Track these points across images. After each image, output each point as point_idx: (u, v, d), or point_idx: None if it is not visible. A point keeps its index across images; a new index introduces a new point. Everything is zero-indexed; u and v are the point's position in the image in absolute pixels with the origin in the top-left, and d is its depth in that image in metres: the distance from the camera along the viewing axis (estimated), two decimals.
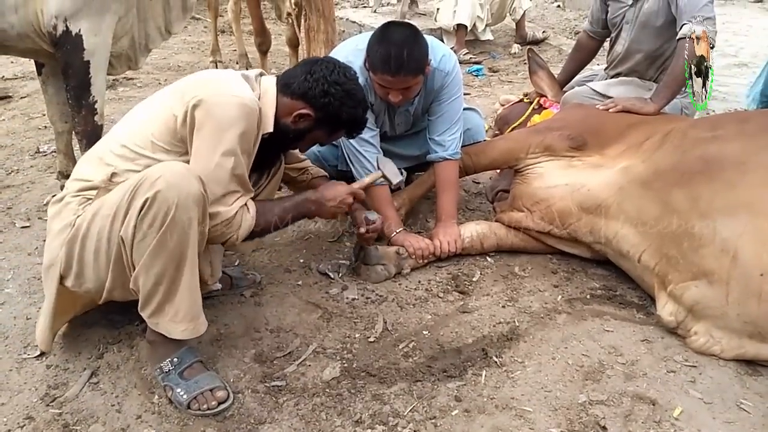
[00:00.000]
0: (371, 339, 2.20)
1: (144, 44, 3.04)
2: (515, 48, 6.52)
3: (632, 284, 2.50)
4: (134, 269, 1.82)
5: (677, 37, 2.83)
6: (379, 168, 2.45)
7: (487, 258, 2.73)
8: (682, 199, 2.21)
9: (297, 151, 2.53)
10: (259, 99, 2.02)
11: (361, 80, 2.22)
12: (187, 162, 1.93)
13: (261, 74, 2.14)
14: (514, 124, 3.46)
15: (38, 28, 2.64)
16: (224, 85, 1.98)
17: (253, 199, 2.31)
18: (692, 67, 2.75)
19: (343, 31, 6.46)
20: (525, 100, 3.63)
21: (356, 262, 2.57)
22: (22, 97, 4.88)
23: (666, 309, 2.20)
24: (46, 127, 4.06)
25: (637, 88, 3.20)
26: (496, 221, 2.81)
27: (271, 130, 2.05)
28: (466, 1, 6.10)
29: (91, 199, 1.90)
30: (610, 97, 3.06)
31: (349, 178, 2.81)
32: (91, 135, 2.79)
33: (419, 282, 2.56)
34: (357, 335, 2.22)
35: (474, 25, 6.25)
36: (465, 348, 2.16)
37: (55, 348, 2.10)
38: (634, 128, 2.65)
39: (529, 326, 2.27)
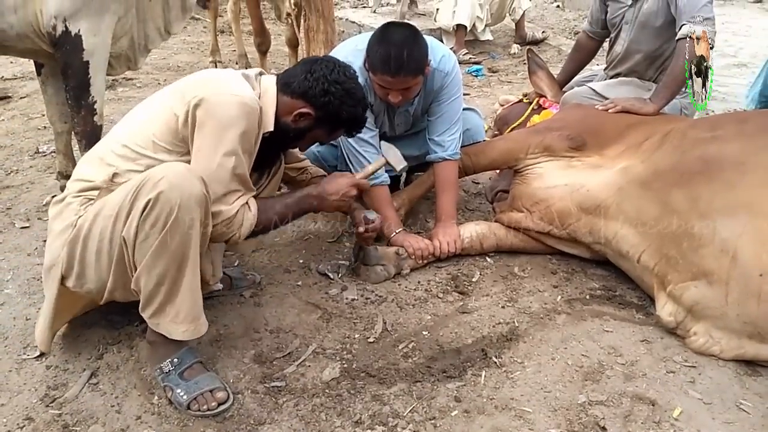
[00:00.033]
0: (371, 339, 2.20)
1: (143, 45, 3.04)
2: (515, 48, 6.52)
3: (632, 284, 2.50)
4: (136, 270, 1.82)
5: (676, 38, 2.84)
6: (382, 155, 2.42)
7: (487, 258, 2.73)
8: (682, 199, 2.21)
9: (296, 150, 2.53)
10: (259, 98, 2.03)
11: (360, 80, 2.22)
12: (189, 162, 1.93)
13: (261, 73, 2.14)
14: (514, 125, 3.46)
15: (37, 29, 2.63)
16: (225, 84, 1.98)
17: (254, 198, 2.32)
18: (692, 67, 2.75)
19: (343, 32, 6.47)
20: (524, 101, 3.63)
21: (356, 262, 2.57)
22: (21, 98, 4.88)
23: (665, 309, 2.20)
24: (45, 127, 4.05)
25: (636, 89, 3.20)
26: (496, 221, 2.81)
27: (271, 129, 2.05)
28: (465, 2, 6.10)
29: (92, 199, 1.90)
30: (609, 98, 3.06)
31: None
32: (91, 135, 2.79)
33: (419, 282, 2.56)
34: (356, 336, 2.22)
35: (473, 25, 6.25)
36: (464, 348, 2.16)
37: (54, 349, 2.09)
38: (633, 128, 2.65)
39: (528, 327, 2.27)
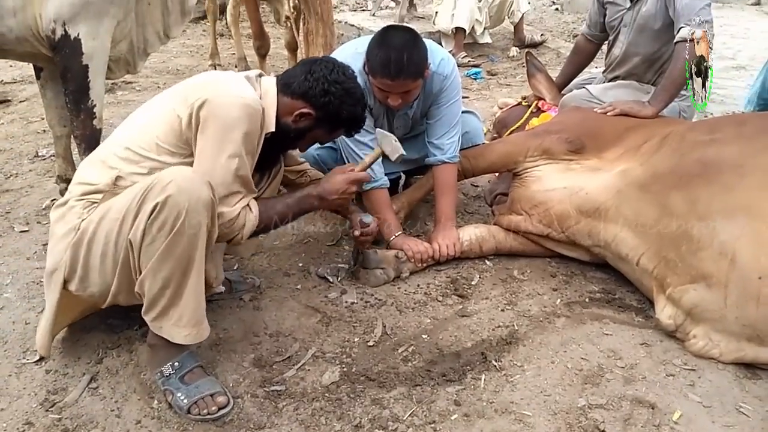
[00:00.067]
0: (370, 343, 2.20)
1: (142, 48, 3.04)
2: (513, 51, 6.53)
3: (631, 287, 2.50)
4: (140, 273, 1.82)
5: (675, 41, 2.84)
6: (378, 144, 2.40)
7: (486, 261, 2.73)
8: (681, 202, 2.21)
9: (296, 153, 2.54)
10: (260, 99, 2.04)
11: (360, 83, 2.23)
12: (192, 164, 1.94)
13: (260, 75, 2.15)
14: (513, 128, 3.46)
15: (37, 32, 2.64)
16: (228, 85, 2.00)
17: (254, 199, 2.33)
18: (692, 66, 2.76)
19: (342, 35, 6.47)
20: (523, 104, 3.63)
21: (355, 265, 2.57)
22: (20, 101, 4.88)
23: (665, 312, 2.20)
24: (44, 131, 4.06)
25: (635, 92, 3.20)
26: (495, 224, 2.81)
27: (273, 129, 2.07)
28: (464, 5, 6.12)
29: (95, 203, 1.90)
30: (608, 101, 3.07)
31: None
32: (90, 139, 2.79)
33: (418, 286, 2.56)
34: (356, 339, 2.22)
35: (472, 28, 6.27)
36: (464, 352, 2.16)
37: (54, 353, 2.09)
38: (632, 131, 2.65)
39: (528, 330, 2.27)
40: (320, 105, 2.08)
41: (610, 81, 3.40)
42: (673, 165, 2.32)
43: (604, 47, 3.54)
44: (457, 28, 6.16)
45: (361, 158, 2.65)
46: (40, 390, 1.97)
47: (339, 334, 2.24)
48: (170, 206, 1.75)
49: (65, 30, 2.61)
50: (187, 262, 1.81)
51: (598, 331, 2.26)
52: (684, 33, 2.79)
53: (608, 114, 2.85)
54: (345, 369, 2.07)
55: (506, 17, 6.54)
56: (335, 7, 7.52)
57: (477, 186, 3.46)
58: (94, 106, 2.78)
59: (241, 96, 1.96)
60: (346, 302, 2.42)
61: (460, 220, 3.03)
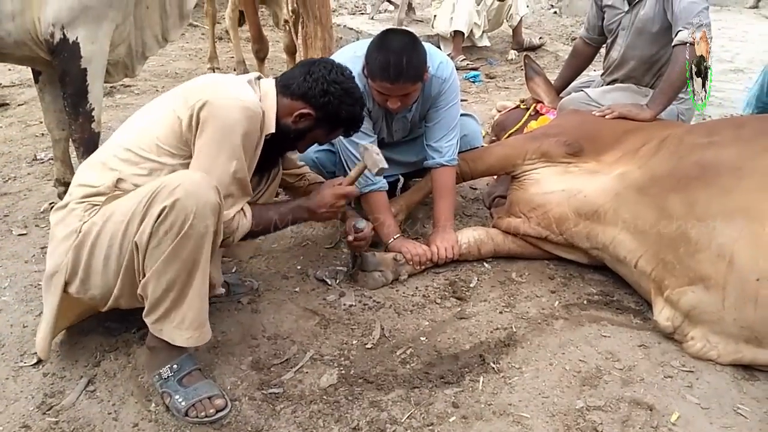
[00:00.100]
0: (368, 345, 2.20)
1: (141, 52, 3.04)
2: (512, 54, 6.54)
3: (629, 290, 2.50)
4: (144, 276, 1.82)
5: (673, 44, 2.85)
6: (362, 159, 2.39)
7: (485, 264, 2.73)
8: (679, 204, 2.22)
9: (295, 157, 2.54)
10: (259, 101, 2.04)
11: (359, 87, 2.24)
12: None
13: (259, 77, 2.16)
14: (511, 131, 3.47)
15: (35, 36, 2.64)
16: (228, 88, 2.01)
17: (252, 203, 2.33)
18: (692, 67, 2.76)
19: (341, 38, 6.49)
20: (522, 107, 3.64)
21: (353, 268, 2.57)
22: (19, 105, 4.88)
23: (663, 314, 2.20)
24: (43, 134, 4.05)
25: (633, 95, 3.21)
26: (493, 227, 2.81)
27: (273, 130, 2.08)
28: (462, 8, 6.13)
29: (97, 205, 1.90)
30: (606, 104, 3.07)
31: None
32: (89, 142, 2.79)
33: (416, 288, 2.56)
34: (354, 342, 2.22)
35: (471, 31, 6.28)
36: (462, 354, 2.16)
37: (51, 356, 2.09)
38: (630, 134, 2.66)
39: (526, 332, 2.27)
40: (320, 105, 2.09)
41: (608, 84, 3.40)
42: (672, 168, 2.33)
43: (603, 50, 3.54)
44: (455, 31, 6.17)
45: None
46: (38, 393, 1.97)
47: (337, 337, 2.24)
48: (178, 210, 1.75)
49: (64, 34, 2.61)
50: (192, 266, 1.81)
51: (596, 333, 2.26)
52: (682, 36, 2.79)
53: (606, 117, 2.85)
54: (343, 371, 2.07)
55: (505, 20, 6.56)
56: (334, 11, 7.53)
57: (475, 189, 3.47)
58: (93, 109, 2.78)
59: (241, 98, 1.97)
60: (345, 305, 2.42)
61: (459, 222, 3.04)
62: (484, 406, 1.93)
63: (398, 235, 2.69)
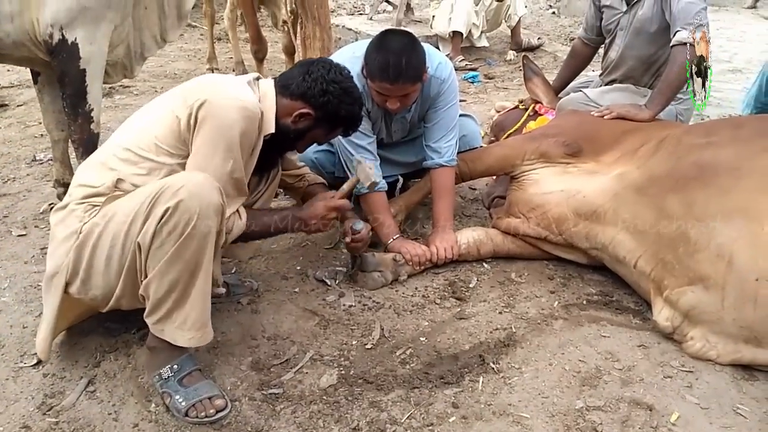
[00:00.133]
0: (368, 346, 2.20)
1: (139, 52, 3.05)
2: (511, 55, 6.55)
3: (628, 290, 2.51)
4: (146, 276, 1.82)
5: (671, 44, 2.85)
6: (354, 173, 2.42)
7: (484, 264, 2.73)
8: (678, 204, 2.22)
9: (295, 157, 2.55)
10: (258, 102, 2.05)
11: (358, 87, 2.24)
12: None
13: (258, 78, 2.17)
14: (510, 131, 3.47)
15: (34, 37, 2.64)
16: (227, 88, 2.01)
17: (251, 206, 2.34)
18: (692, 67, 2.77)
19: (339, 39, 6.48)
20: (520, 107, 3.64)
21: (353, 269, 2.57)
22: (18, 106, 4.88)
23: (662, 314, 2.21)
24: (42, 135, 4.05)
25: (631, 95, 3.21)
26: (493, 227, 2.81)
27: (272, 131, 2.08)
28: (461, 8, 6.13)
29: (97, 206, 1.91)
30: (604, 104, 3.07)
31: None
32: (88, 143, 2.79)
33: (416, 288, 2.56)
34: (354, 342, 2.22)
35: (469, 32, 6.28)
36: (462, 354, 2.16)
37: (51, 357, 2.08)
38: (629, 135, 2.66)
39: (525, 332, 2.28)
40: (319, 105, 2.10)
41: (606, 84, 3.41)
42: (670, 168, 2.33)
43: (601, 50, 3.55)
44: (454, 31, 6.18)
45: (360, 161, 2.66)
46: (38, 394, 1.97)
47: (337, 337, 2.25)
48: (181, 211, 1.76)
49: (62, 34, 2.61)
50: (194, 266, 1.82)
51: (595, 333, 2.27)
52: (680, 36, 2.80)
53: (605, 117, 2.85)
54: (343, 372, 2.07)
55: (503, 21, 6.56)
56: (332, 11, 7.54)
57: (474, 189, 3.47)
58: (92, 110, 2.78)
59: (240, 98, 1.97)
60: (344, 305, 2.42)
61: (458, 223, 3.04)
62: (483, 406, 1.93)
63: (398, 235, 2.70)
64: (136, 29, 2.95)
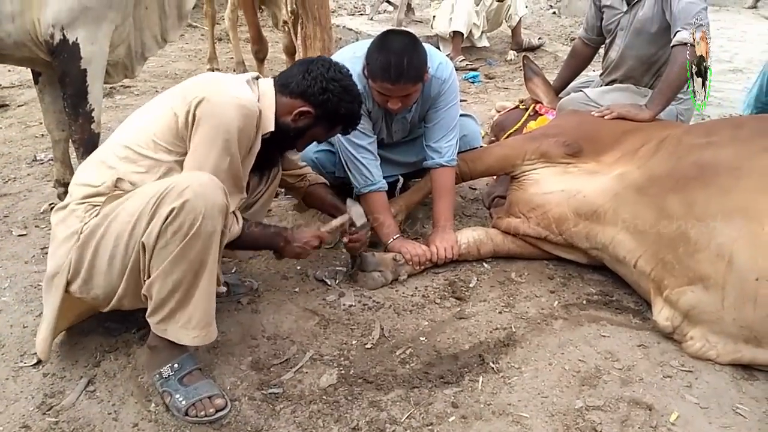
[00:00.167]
0: (368, 346, 2.21)
1: (140, 52, 3.05)
2: (511, 55, 6.55)
3: (628, 289, 2.51)
4: (149, 276, 1.83)
5: (671, 44, 2.85)
6: (347, 211, 2.48)
7: (484, 264, 2.73)
8: (678, 204, 2.22)
9: (297, 157, 2.55)
10: (258, 101, 2.05)
11: (359, 87, 2.25)
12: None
13: (257, 77, 2.17)
14: (510, 131, 3.47)
15: (35, 37, 2.64)
16: (226, 86, 2.02)
17: (251, 205, 2.34)
18: (693, 67, 2.77)
19: (340, 39, 6.49)
20: (521, 107, 3.64)
21: (353, 268, 2.57)
22: (19, 106, 4.88)
23: (662, 314, 2.21)
24: (43, 135, 4.06)
25: (632, 95, 3.21)
26: (493, 227, 2.81)
27: (272, 129, 2.09)
28: (461, 9, 6.13)
29: (97, 206, 1.91)
30: (605, 104, 3.07)
31: (347, 185, 2.83)
32: (88, 143, 2.79)
33: (416, 288, 2.56)
34: (354, 342, 2.23)
35: (470, 32, 6.28)
36: (462, 354, 2.17)
37: (51, 356, 2.09)
38: (629, 135, 2.66)
39: (525, 332, 2.28)
40: (319, 103, 2.10)
41: (607, 84, 3.40)
42: (670, 168, 2.33)
43: (602, 51, 3.55)
44: (454, 31, 6.18)
45: (360, 163, 2.68)
46: (38, 393, 1.97)
47: (337, 337, 2.25)
48: (187, 211, 1.76)
49: (64, 35, 2.62)
50: (199, 266, 1.82)
51: (595, 333, 2.27)
52: (680, 36, 2.80)
53: (605, 117, 2.85)
54: (343, 371, 2.07)
55: (504, 21, 6.56)
56: (333, 12, 7.54)
57: (475, 189, 3.47)
58: (93, 110, 2.78)
59: (238, 96, 1.98)
60: (344, 305, 2.42)
61: (458, 222, 3.04)
62: (483, 406, 1.93)
63: (398, 235, 2.70)
64: (137, 29, 2.95)
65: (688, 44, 2.76)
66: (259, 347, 2.18)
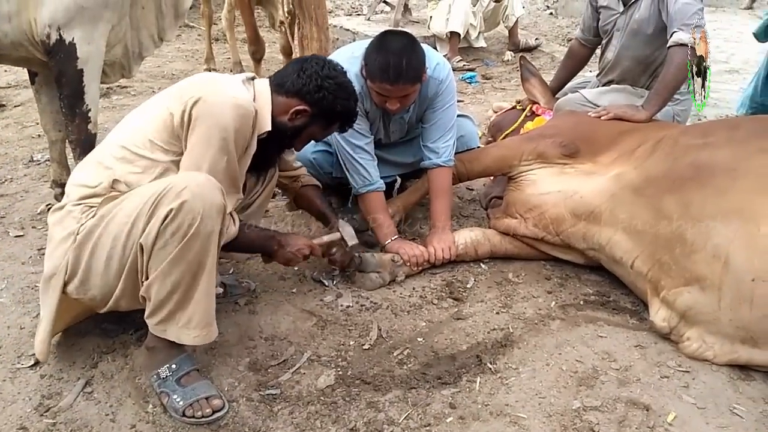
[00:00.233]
0: (366, 346, 2.21)
1: (137, 52, 3.05)
2: (508, 55, 6.55)
3: (625, 290, 2.51)
4: (147, 278, 1.82)
5: (668, 45, 2.85)
6: (338, 230, 2.51)
7: (481, 264, 2.74)
8: (674, 205, 2.22)
9: (293, 157, 2.55)
10: (254, 100, 2.05)
11: (356, 88, 2.25)
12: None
13: (253, 77, 2.17)
14: (507, 131, 3.47)
15: (32, 37, 2.64)
16: (222, 86, 2.02)
17: (248, 206, 2.34)
18: (693, 67, 2.77)
19: (337, 39, 6.49)
20: (518, 108, 3.65)
21: (351, 270, 2.57)
22: (15, 106, 4.87)
23: (659, 315, 2.21)
24: (39, 135, 4.05)
25: (629, 96, 3.21)
26: (490, 228, 2.82)
27: (269, 128, 2.09)
28: (458, 9, 6.13)
29: (94, 207, 1.91)
30: (602, 105, 3.08)
31: (344, 185, 2.83)
32: (85, 143, 2.79)
33: (413, 289, 2.56)
34: (351, 343, 2.23)
35: (467, 32, 6.28)
36: (459, 355, 2.17)
37: (48, 357, 2.08)
38: (626, 135, 2.67)
39: (523, 332, 2.28)
40: (315, 101, 2.11)
41: (604, 85, 3.41)
42: (667, 169, 2.33)
43: (598, 51, 3.55)
44: (451, 32, 6.18)
45: (358, 163, 2.68)
46: (35, 395, 1.96)
47: (334, 338, 2.25)
48: (185, 212, 1.76)
49: (60, 35, 2.61)
50: (197, 267, 1.82)
51: (592, 334, 2.27)
52: (677, 37, 2.80)
53: (602, 118, 2.86)
54: (340, 372, 2.07)
55: (501, 21, 6.56)
56: (330, 12, 7.54)
57: (472, 189, 3.47)
58: (89, 110, 2.78)
59: (234, 96, 1.98)
60: (342, 306, 2.42)
61: (456, 223, 3.04)
62: (481, 406, 1.93)
63: (396, 236, 2.70)
64: (134, 29, 2.95)
65: (688, 45, 2.76)
66: (257, 348, 2.18)
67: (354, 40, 6.00)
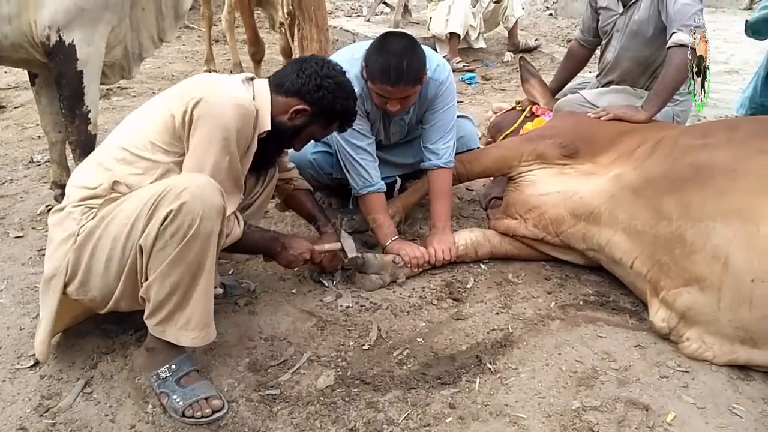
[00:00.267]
0: (365, 347, 2.21)
1: (137, 53, 3.05)
2: (508, 56, 6.56)
3: (625, 290, 2.51)
4: (146, 279, 1.83)
5: (667, 46, 2.85)
6: (339, 240, 2.53)
7: (481, 265, 2.74)
8: (674, 206, 2.23)
9: (286, 160, 2.55)
10: (253, 100, 2.06)
11: (357, 89, 2.25)
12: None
13: (252, 78, 2.18)
14: (507, 132, 3.47)
15: (31, 39, 2.64)
16: (223, 87, 2.02)
17: (248, 207, 2.34)
18: (693, 68, 2.78)
19: (337, 40, 6.49)
20: (517, 108, 3.65)
21: (351, 270, 2.57)
22: (15, 107, 4.88)
23: (658, 315, 2.21)
24: (39, 137, 4.06)
25: (628, 97, 3.22)
26: (490, 228, 2.82)
27: (268, 128, 2.09)
28: (458, 10, 6.14)
29: (94, 208, 1.91)
30: (601, 106, 3.08)
31: (344, 186, 2.83)
32: (85, 145, 2.79)
33: (413, 289, 2.56)
34: (351, 343, 2.23)
35: (467, 33, 6.29)
36: (459, 355, 2.17)
37: (48, 358, 2.08)
38: (625, 136, 2.67)
39: (522, 333, 2.28)
40: (314, 100, 2.11)
41: (603, 86, 3.41)
42: (666, 169, 2.34)
43: (598, 52, 3.55)
44: (451, 33, 6.19)
45: (358, 164, 2.68)
46: (34, 395, 1.96)
47: (334, 338, 2.25)
48: (185, 213, 1.76)
49: (60, 36, 2.61)
50: (197, 268, 1.83)
51: (592, 334, 2.27)
52: (676, 38, 2.80)
53: (601, 119, 2.86)
54: (340, 373, 2.07)
55: (500, 22, 6.57)
56: (330, 13, 7.55)
57: (472, 190, 3.47)
58: (89, 111, 2.78)
59: (236, 96, 1.98)
60: (341, 306, 2.42)
61: (456, 224, 3.04)
62: (480, 406, 1.93)
63: (396, 236, 2.70)
64: (134, 30, 2.95)
65: (688, 46, 2.77)
66: (257, 348, 2.18)
67: (354, 42, 6.02)
